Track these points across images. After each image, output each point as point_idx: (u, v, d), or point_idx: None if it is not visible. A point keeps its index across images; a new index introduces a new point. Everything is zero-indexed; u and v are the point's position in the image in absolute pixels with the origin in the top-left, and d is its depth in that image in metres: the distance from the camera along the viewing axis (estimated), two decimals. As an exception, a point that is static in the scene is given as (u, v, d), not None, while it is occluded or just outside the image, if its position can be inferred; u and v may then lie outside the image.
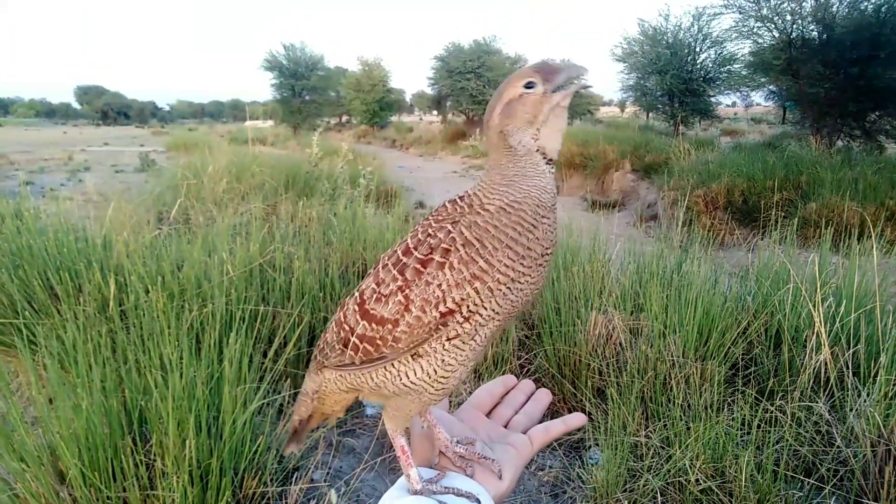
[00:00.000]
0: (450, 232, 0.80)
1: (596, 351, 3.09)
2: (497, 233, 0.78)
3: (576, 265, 3.67)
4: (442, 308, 0.78)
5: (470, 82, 28.86)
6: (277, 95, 30.85)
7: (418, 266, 0.80)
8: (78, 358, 2.11)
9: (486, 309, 0.79)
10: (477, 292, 0.77)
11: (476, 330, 0.80)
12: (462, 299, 0.77)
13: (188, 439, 1.98)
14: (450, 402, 2.83)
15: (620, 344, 3.10)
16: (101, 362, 2.16)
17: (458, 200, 0.84)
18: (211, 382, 2.29)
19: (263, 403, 2.46)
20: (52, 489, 1.94)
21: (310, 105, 31.02)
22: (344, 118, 43.09)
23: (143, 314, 2.70)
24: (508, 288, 0.78)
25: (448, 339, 0.81)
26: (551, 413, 3.12)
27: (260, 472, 2.27)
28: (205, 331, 2.66)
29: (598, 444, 2.71)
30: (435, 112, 44.27)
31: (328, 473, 2.64)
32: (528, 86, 0.80)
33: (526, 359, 3.36)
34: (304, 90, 30.60)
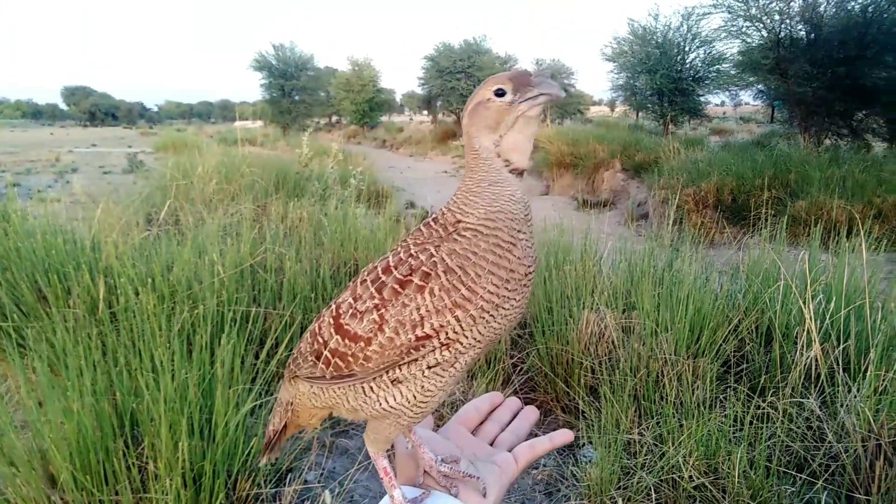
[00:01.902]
0: (432, 255, 0.78)
1: (588, 349, 3.11)
2: (478, 259, 0.76)
3: (567, 264, 3.68)
4: (419, 332, 0.76)
5: (460, 82, 28.89)
6: (267, 96, 30.72)
7: (396, 286, 0.78)
8: (68, 361, 2.09)
9: (466, 337, 0.77)
10: (458, 320, 0.76)
11: (456, 357, 0.79)
12: (441, 326, 0.76)
13: (181, 441, 1.96)
14: (443, 404, 2.83)
15: (613, 342, 3.12)
16: (92, 365, 2.14)
17: (432, 223, 0.83)
18: (203, 384, 2.27)
19: (256, 405, 2.45)
20: (44, 493, 1.92)
21: (299, 105, 30.91)
22: (334, 118, 42.98)
23: (134, 316, 2.68)
24: (492, 315, 0.77)
25: (428, 367, 0.79)
26: (544, 411, 3.13)
27: (253, 474, 2.26)
28: (196, 332, 2.64)
29: (591, 442, 2.72)
30: (425, 112, 44.25)
31: (322, 474, 2.63)
32: (499, 93, 0.78)
33: (519, 357, 3.36)
34: (293, 90, 30.49)
